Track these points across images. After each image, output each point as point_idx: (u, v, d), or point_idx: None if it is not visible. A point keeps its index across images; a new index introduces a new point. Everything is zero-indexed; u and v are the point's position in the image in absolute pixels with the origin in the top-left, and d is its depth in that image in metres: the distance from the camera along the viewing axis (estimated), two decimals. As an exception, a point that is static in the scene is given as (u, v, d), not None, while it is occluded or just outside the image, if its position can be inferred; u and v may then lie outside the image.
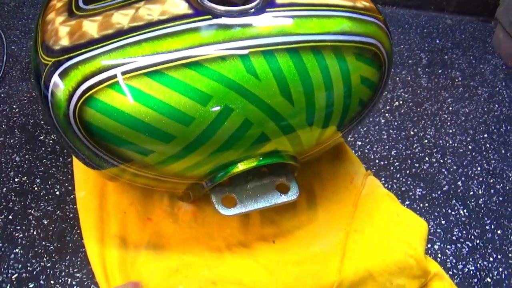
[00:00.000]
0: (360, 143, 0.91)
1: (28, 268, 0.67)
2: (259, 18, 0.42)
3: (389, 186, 0.83)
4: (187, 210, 0.54)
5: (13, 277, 0.65)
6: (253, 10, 0.42)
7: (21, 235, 0.71)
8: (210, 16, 0.41)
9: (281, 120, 0.41)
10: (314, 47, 0.41)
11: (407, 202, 0.80)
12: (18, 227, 0.72)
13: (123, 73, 0.38)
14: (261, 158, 0.44)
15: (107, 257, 0.49)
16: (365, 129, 0.94)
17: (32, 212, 0.74)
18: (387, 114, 0.99)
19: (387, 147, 0.91)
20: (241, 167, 0.44)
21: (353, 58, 0.43)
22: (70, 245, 0.70)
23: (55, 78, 0.39)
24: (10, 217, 0.73)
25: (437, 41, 1.27)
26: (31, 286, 0.65)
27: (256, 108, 0.39)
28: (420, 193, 0.82)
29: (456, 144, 0.93)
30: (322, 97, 0.42)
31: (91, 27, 0.41)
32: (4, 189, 0.76)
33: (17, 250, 0.69)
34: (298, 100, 0.41)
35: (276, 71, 0.40)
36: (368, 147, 0.90)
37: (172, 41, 0.39)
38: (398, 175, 0.85)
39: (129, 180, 0.46)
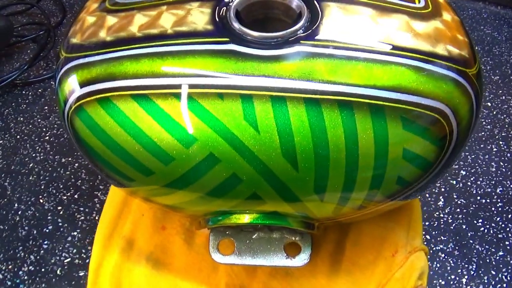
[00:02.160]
0: (464, 172, 0.76)
1: (82, 254, 0.68)
2: (284, 52, 0.33)
3: (485, 230, 0.68)
4: (203, 233, 0.49)
5: (65, 261, 0.67)
6: (287, 39, 0.34)
7: (83, 218, 0.72)
8: (228, 39, 0.34)
9: (279, 184, 0.33)
10: (344, 102, 0.31)
11: (501, 253, 0.64)
12: (82, 209, 0.73)
13: (111, 90, 0.33)
14: (260, 216, 0.36)
15: (107, 256, 0.47)
16: (473, 156, 0.78)
17: (99, 194, 0.74)
18: (501, 142, 0.81)
19: (493, 182, 0.75)
20: (234, 220, 0.37)
21: (399, 124, 0.32)
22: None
23: (60, 76, 0.37)
24: (76, 196, 0.74)
25: None
26: (81, 274, 0.66)
27: (248, 165, 0.32)
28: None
29: None
30: (340, 169, 0.32)
31: (106, 26, 0.37)
32: (76, 164, 0.78)
33: (75, 233, 0.70)
34: (304, 166, 0.32)
35: (282, 125, 0.31)
36: (472, 179, 0.75)
37: (172, 62, 0.33)
38: (498, 219, 0.69)
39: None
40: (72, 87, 0.35)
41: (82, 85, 0.35)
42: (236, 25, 0.34)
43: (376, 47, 0.33)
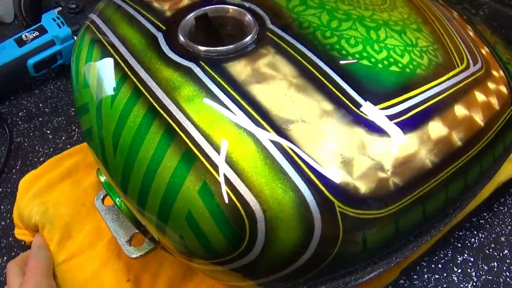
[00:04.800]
0: None
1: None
2: (179, 61, 0.34)
3: None
4: None
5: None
6: (194, 54, 0.34)
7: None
8: (164, 29, 0.37)
9: (105, 159, 0.35)
10: (170, 130, 0.31)
11: None
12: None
13: (92, 23, 0.41)
14: (105, 183, 0.40)
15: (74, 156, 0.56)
16: None
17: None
18: None
19: None
20: (99, 174, 0.41)
21: (197, 184, 0.29)
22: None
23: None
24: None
25: None
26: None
27: (96, 127, 0.36)
28: None
29: None
30: (137, 182, 0.32)
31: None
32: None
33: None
34: (119, 157, 0.33)
35: (124, 113, 0.33)
36: None
37: (126, 25, 0.38)
38: None
39: None
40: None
41: (94, 11, 0.43)
42: (182, 24, 0.37)
43: (253, 112, 0.31)
